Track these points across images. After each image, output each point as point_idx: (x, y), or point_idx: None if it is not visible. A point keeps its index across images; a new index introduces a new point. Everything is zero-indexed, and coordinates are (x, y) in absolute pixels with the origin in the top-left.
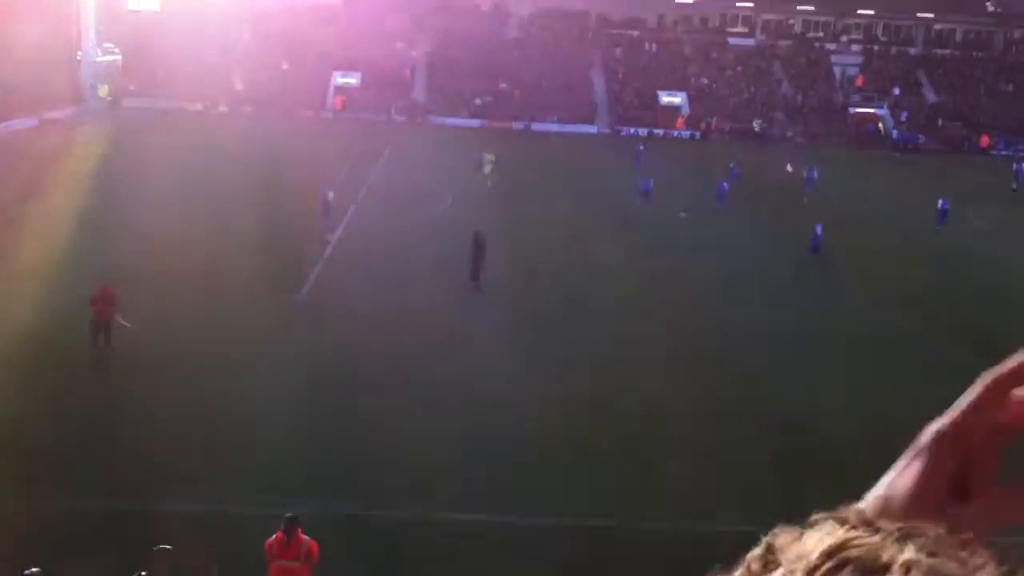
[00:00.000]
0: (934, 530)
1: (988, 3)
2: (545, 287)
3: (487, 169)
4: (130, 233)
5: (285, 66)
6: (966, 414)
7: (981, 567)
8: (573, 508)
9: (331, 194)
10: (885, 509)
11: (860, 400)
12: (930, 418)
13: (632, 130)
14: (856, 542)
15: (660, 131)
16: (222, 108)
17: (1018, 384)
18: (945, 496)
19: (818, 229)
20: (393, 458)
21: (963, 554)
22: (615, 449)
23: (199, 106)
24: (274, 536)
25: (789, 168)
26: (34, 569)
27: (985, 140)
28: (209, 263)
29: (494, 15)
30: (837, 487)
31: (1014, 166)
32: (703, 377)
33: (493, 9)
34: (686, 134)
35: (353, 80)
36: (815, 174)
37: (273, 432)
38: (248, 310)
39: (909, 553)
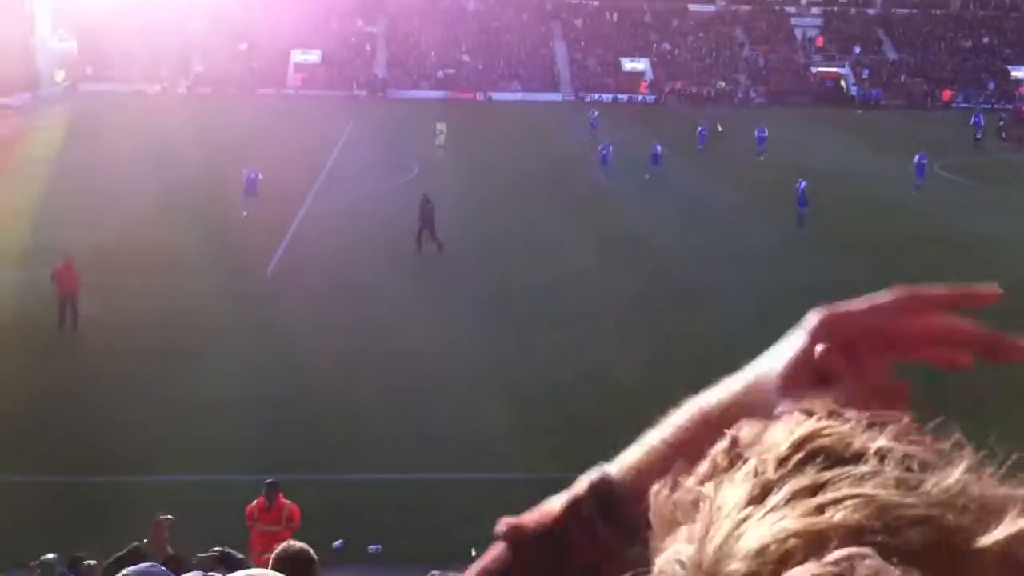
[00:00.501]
0: (904, 419)
1: None
2: (500, 254)
3: (439, 139)
4: (88, 215)
5: (244, 46)
6: (862, 312)
7: (957, 452)
8: (527, 464)
9: (246, 171)
10: (758, 385)
11: None
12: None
13: (597, 96)
14: (826, 431)
15: (624, 96)
16: (180, 90)
17: (931, 308)
18: (810, 379)
19: (801, 185)
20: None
21: (937, 442)
22: (563, 414)
23: (157, 88)
24: (255, 501)
25: (719, 128)
26: (50, 555)
27: (947, 95)
28: (170, 244)
29: None
30: None
31: (972, 118)
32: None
33: None
34: (650, 98)
35: (313, 57)
36: (765, 132)
37: (244, 407)
38: (212, 290)
39: (882, 440)
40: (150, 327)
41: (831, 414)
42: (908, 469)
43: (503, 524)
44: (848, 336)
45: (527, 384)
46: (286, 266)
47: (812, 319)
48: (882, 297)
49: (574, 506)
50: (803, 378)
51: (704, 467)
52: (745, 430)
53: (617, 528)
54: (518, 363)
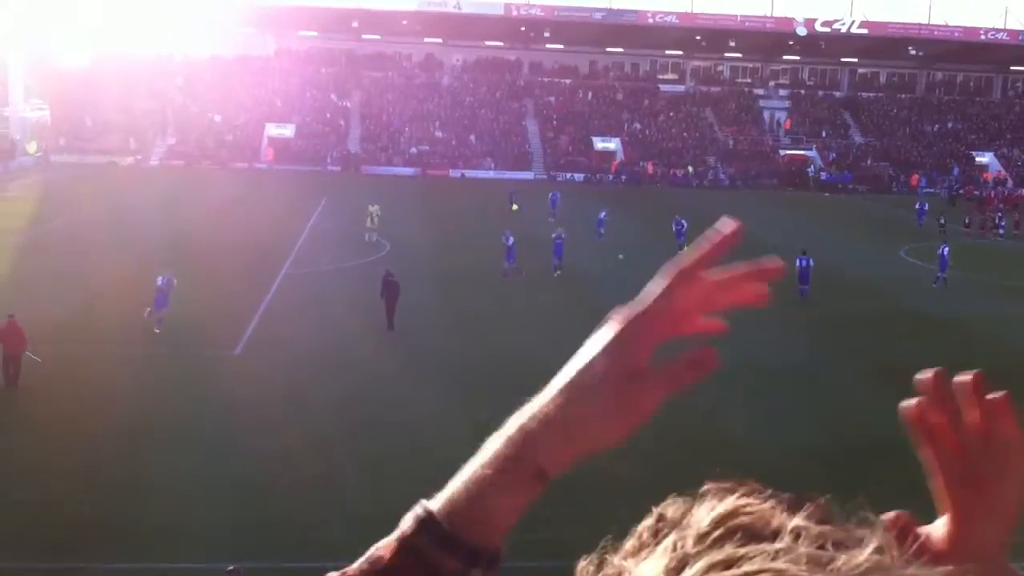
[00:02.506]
0: (821, 501)
1: (910, 47)
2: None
3: (368, 221)
4: (55, 286)
5: (217, 118)
6: (656, 301)
7: (868, 535)
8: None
9: (160, 279)
10: (577, 386)
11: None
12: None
13: (568, 175)
14: (747, 509)
15: (595, 175)
16: (153, 162)
17: (700, 275)
18: (626, 375)
19: (803, 263)
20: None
21: (849, 524)
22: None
23: (129, 160)
24: None
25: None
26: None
27: (915, 179)
28: (139, 317)
29: (426, 65)
30: None
31: (917, 205)
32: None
33: (425, 59)
34: (622, 178)
35: (287, 131)
36: (604, 215)
37: (204, 486)
38: (181, 363)
39: (798, 520)
40: (115, 402)
41: (753, 492)
42: (821, 547)
43: None
44: (645, 337)
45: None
46: (256, 342)
47: (616, 322)
48: (659, 284)
49: (403, 545)
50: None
51: (629, 543)
52: (672, 507)
53: (458, 556)
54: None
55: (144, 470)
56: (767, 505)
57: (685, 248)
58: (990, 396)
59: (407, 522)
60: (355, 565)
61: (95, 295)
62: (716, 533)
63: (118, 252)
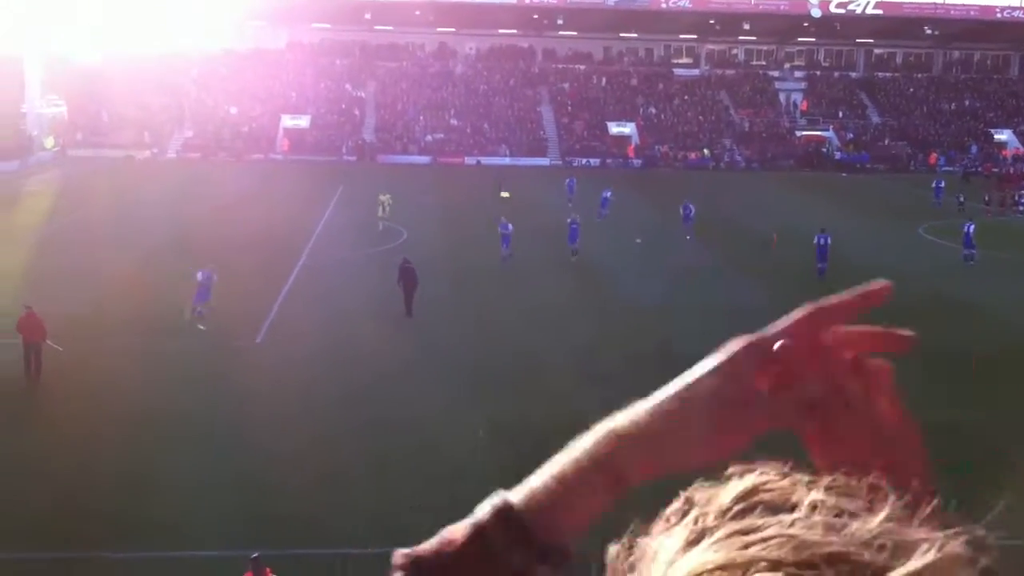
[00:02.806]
0: (846, 479)
1: (926, 27)
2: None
3: (380, 210)
4: (75, 279)
5: (233, 111)
6: (784, 333)
7: (882, 505)
8: None
9: (201, 273)
10: (679, 399)
11: None
12: None
13: (584, 161)
14: (768, 486)
15: (611, 160)
16: (170, 155)
17: (836, 321)
18: (744, 398)
19: (822, 240)
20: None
21: (869, 495)
22: None
23: (146, 154)
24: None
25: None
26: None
27: (933, 158)
28: (159, 309)
29: (439, 54)
30: None
31: (934, 183)
32: None
33: (438, 49)
34: (638, 162)
35: (302, 122)
36: (608, 194)
37: (217, 479)
38: (203, 354)
39: (817, 494)
40: (136, 392)
41: (775, 470)
42: (837, 516)
43: (399, 556)
44: (762, 363)
45: (514, 453)
46: (277, 331)
47: (734, 345)
48: (793, 317)
49: (478, 533)
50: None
51: (656, 525)
52: (700, 491)
53: (530, 552)
54: (511, 430)
55: (162, 463)
56: (787, 481)
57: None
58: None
59: (483, 509)
60: (425, 544)
61: (114, 288)
62: (737, 508)
63: (136, 246)
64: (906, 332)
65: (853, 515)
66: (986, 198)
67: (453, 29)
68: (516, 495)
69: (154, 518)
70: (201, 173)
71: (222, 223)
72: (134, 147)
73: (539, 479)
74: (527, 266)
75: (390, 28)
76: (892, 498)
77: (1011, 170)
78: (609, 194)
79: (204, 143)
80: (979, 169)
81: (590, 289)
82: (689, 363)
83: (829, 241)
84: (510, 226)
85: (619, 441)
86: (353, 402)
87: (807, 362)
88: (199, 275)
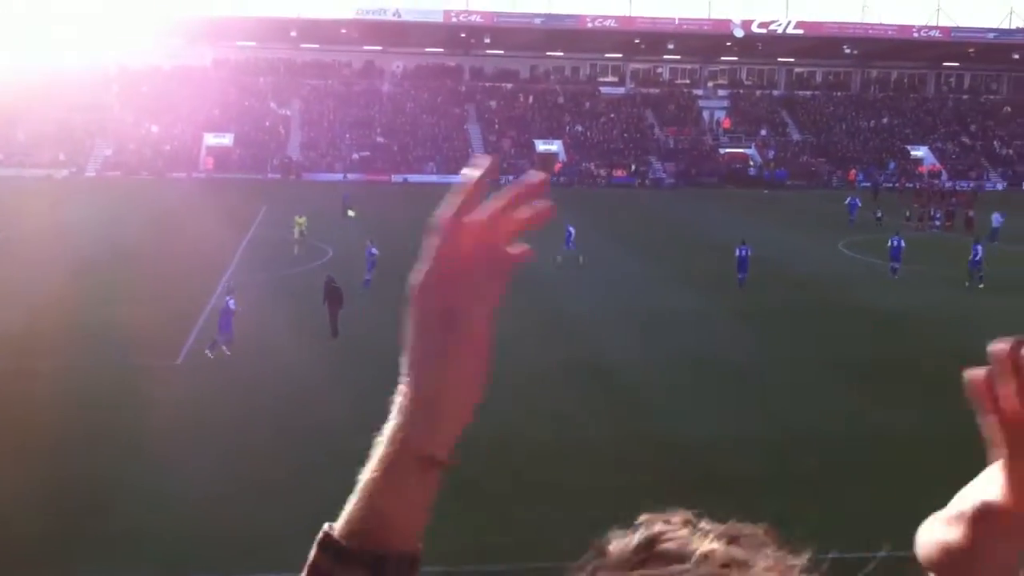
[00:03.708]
0: (753, 529)
1: (845, 46)
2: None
3: (296, 232)
4: None
5: (154, 128)
6: (436, 253)
7: (764, 551)
8: (459, 543)
9: (230, 300)
10: (410, 364)
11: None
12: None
13: (511, 177)
14: (668, 535)
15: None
16: (90, 173)
17: (506, 209)
18: (441, 322)
19: (742, 251)
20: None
21: (761, 544)
22: (503, 488)
23: (65, 172)
24: None
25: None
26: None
27: (852, 174)
28: (77, 328)
29: (366, 72)
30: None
31: (846, 200)
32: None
33: (365, 67)
34: (563, 179)
35: (226, 140)
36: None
37: (145, 498)
38: (122, 374)
39: (711, 544)
40: (54, 415)
41: (686, 523)
42: (724, 566)
43: None
44: (440, 283)
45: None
46: (198, 352)
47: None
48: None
49: (312, 569)
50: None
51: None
52: (609, 542)
53: (360, 568)
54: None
55: (88, 483)
56: (687, 531)
57: (581, 260)
58: None
59: (313, 546)
60: None
61: (30, 308)
62: (636, 558)
63: (58, 264)
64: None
65: (740, 564)
66: (907, 214)
67: (380, 47)
68: (339, 520)
69: (82, 540)
70: (122, 192)
71: (143, 243)
72: (53, 166)
73: (353, 495)
74: None
75: (316, 46)
76: (772, 548)
77: (923, 185)
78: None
79: (125, 161)
80: (895, 185)
81: (510, 300)
82: (612, 370)
83: (749, 253)
84: (375, 250)
85: (399, 426)
86: (275, 420)
87: (476, 258)
88: (229, 302)
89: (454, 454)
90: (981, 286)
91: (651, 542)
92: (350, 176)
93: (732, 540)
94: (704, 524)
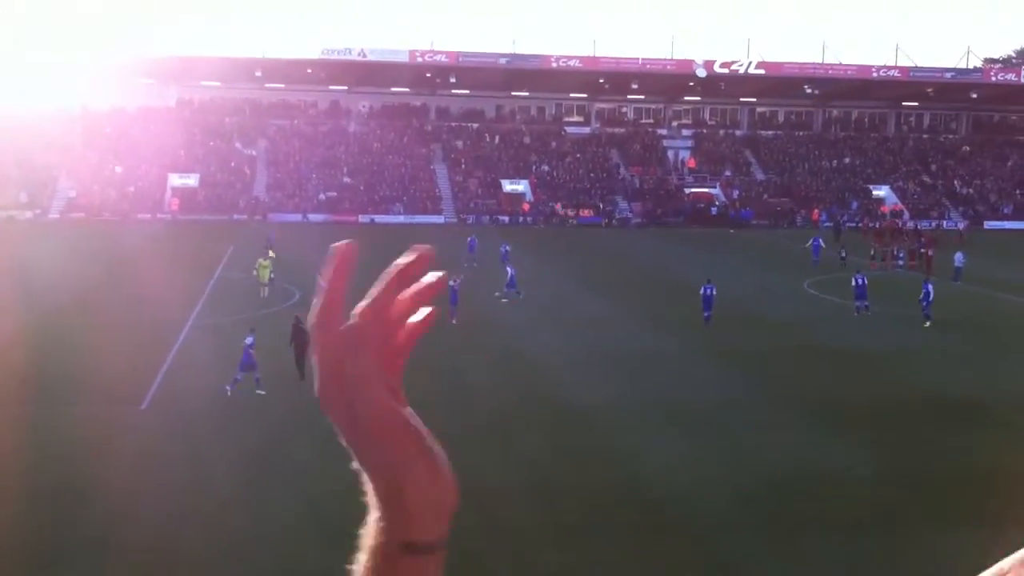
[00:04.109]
0: None
1: (806, 86)
2: None
3: (256, 271)
4: None
5: (118, 169)
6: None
7: None
8: None
9: (249, 339)
10: (361, 442)
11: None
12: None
13: (477, 217)
14: None
15: (505, 218)
16: (53, 215)
17: (398, 290)
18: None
19: (708, 290)
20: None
21: None
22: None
23: (29, 215)
24: None
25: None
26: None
27: (816, 214)
28: (38, 373)
29: (332, 112)
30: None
31: (811, 242)
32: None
33: (331, 107)
34: (531, 219)
35: (191, 181)
36: (507, 248)
37: (108, 546)
38: (86, 419)
39: None
40: (14, 462)
41: None
42: None
43: None
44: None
45: None
46: (163, 397)
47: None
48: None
49: None
50: None
51: None
52: None
53: None
54: None
55: (51, 532)
56: None
57: (517, 295)
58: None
59: None
60: None
61: None
62: None
63: (21, 308)
64: (433, 278)
65: None
66: (872, 253)
67: (346, 87)
68: None
69: None
70: (86, 234)
71: (107, 286)
72: (15, 208)
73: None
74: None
75: (282, 86)
76: None
77: (884, 224)
78: (508, 248)
79: (89, 202)
80: (858, 224)
81: (475, 344)
82: (577, 411)
83: (714, 292)
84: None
85: (377, 521)
86: (243, 466)
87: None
88: (248, 340)
89: (443, 532)
90: (927, 324)
91: None
92: (313, 217)
93: None
94: None
